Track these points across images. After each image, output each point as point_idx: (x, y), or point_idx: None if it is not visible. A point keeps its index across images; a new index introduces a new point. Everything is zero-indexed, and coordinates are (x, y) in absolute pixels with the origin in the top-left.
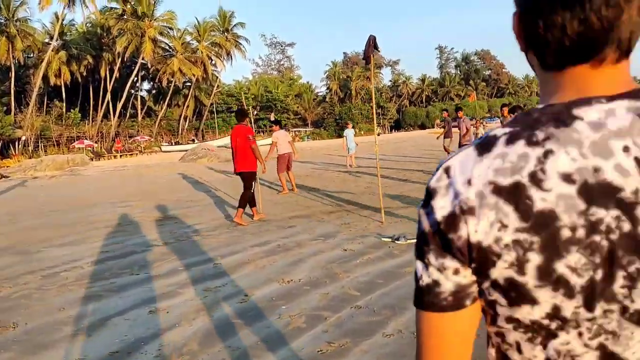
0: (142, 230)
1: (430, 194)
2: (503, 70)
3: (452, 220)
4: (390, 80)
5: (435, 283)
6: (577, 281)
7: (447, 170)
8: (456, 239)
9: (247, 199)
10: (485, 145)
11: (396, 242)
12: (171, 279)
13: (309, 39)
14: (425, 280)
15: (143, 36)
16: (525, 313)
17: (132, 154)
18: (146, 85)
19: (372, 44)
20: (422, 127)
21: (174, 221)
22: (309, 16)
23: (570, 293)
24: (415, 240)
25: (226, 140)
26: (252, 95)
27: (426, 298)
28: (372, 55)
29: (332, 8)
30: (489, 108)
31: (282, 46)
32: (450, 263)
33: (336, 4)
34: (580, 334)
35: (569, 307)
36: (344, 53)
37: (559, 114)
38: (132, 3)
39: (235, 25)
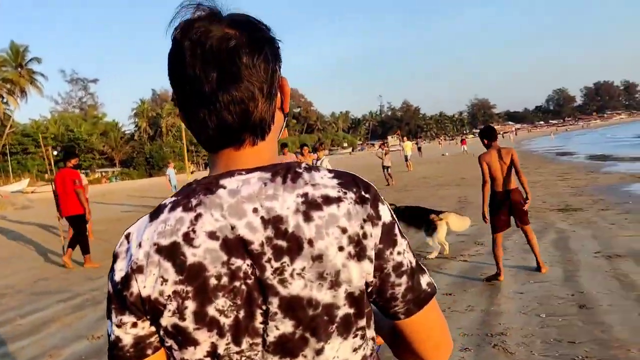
0: None
1: (114, 258)
2: (311, 108)
3: (126, 279)
4: None
5: (118, 338)
6: (226, 321)
7: (127, 236)
8: (129, 295)
9: (80, 242)
10: (155, 212)
11: None
12: None
13: (114, 75)
14: (112, 336)
15: None
16: (191, 354)
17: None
18: None
19: None
20: None
21: None
22: (114, 51)
23: (221, 332)
24: None
25: (22, 184)
26: (52, 134)
27: (113, 352)
28: None
29: (139, 42)
30: (300, 144)
31: (84, 82)
32: (128, 318)
33: (142, 39)
34: None
35: (222, 345)
36: (153, 90)
37: (209, 184)
38: None
39: (30, 60)
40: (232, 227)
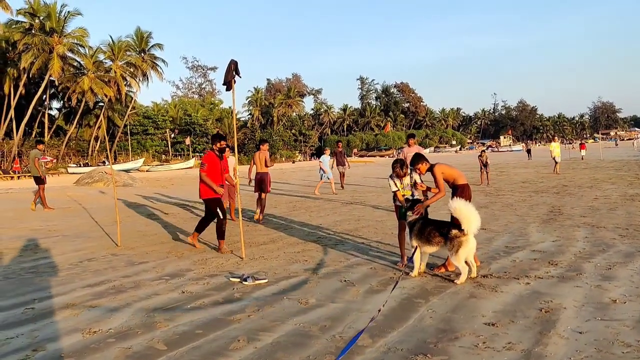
0: None
1: None
2: (421, 103)
3: None
4: (312, 109)
5: None
6: None
7: None
8: None
9: (217, 228)
10: None
11: (244, 282)
12: None
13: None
14: None
15: (51, 52)
16: None
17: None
18: (56, 104)
19: (232, 69)
20: None
21: (17, 254)
22: (233, 41)
23: None
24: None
25: (138, 163)
26: (171, 117)
27: None
28: (233, 80)
29: (257, 34)
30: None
31: (204, 70)
32: None
33: (261, 31)
34: None
35: None
36: (267, 79)
37: None
38: (41, 18)
39: (152, 46)
40: None
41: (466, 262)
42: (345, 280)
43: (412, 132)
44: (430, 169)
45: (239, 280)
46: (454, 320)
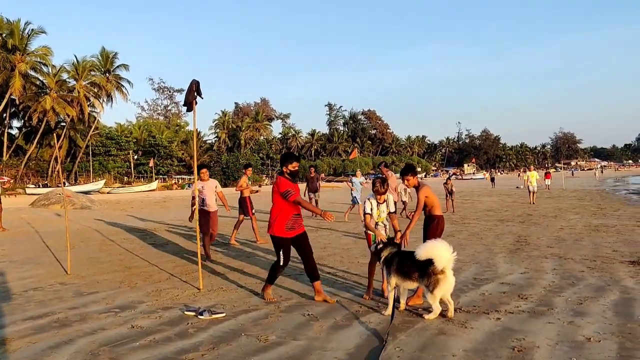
0: None
1: None
2: (387, 130)
3: None
4: (280, 133)
5: None
6: None
7: None
8: None
9: (275, 270)
10: None
11: (199, 316)
12: None
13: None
14: None
15: (13, 70)
16: None
17: None
18: (16, 123)
19: (194, 90)
20: None
21: None
22: (201, 64)
23: None
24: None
25: (99, 184)
26: (134, 139)
27: None
28: (194, 102)
29: (225, 58)
30: (373, 165)
31: (170, 91)
32: None
33: (229, 55)
34: None
35: None
36: (235, 103)
37: None
38: (4, 35)
39: (118, 66)
40: None
41: (442, 300)
42: (308, 314)
43: (384, 159)
44: (417, 187)
45: (194, 314)
46: None
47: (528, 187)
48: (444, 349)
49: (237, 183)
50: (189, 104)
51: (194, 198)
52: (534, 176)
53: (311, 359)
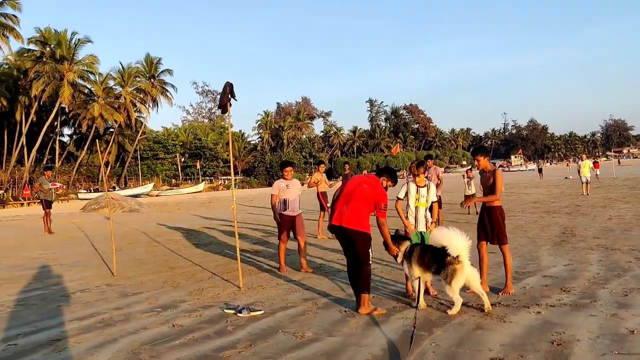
0: None
1: None
2: (430, 124)
3: None
4: (322, 131)
5: None
6: None
7: None
8: None
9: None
10: None
11: (238, 314)
12: None
13: (243, 88)
14: None
15: (62, 80)
16: None
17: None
18: (67, 130)
19: (228, 92)
20: None
21: (10, 285)
22: (243, 65)
23: None
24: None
25: (148, 188)
26: (181, 142)
27: None
28: (228, 104)
29: (268, 58)
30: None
31: (213, 94)
32: None
33: (272, 55)
34: None
35: None
36: (277, 103)
37: None
38: (52, 46)
39: (162, 71)
40: None
41: (474, 292)
42: (345, 311)
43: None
44: (494, 171)
45: (233, 312)
46: (458, 355)
47: (580, 177)
48: (481, 344)
49: (309, 180)
50: (224, 106)
51: (274, 207)
52: (586, 166)
53: (346, 355)
